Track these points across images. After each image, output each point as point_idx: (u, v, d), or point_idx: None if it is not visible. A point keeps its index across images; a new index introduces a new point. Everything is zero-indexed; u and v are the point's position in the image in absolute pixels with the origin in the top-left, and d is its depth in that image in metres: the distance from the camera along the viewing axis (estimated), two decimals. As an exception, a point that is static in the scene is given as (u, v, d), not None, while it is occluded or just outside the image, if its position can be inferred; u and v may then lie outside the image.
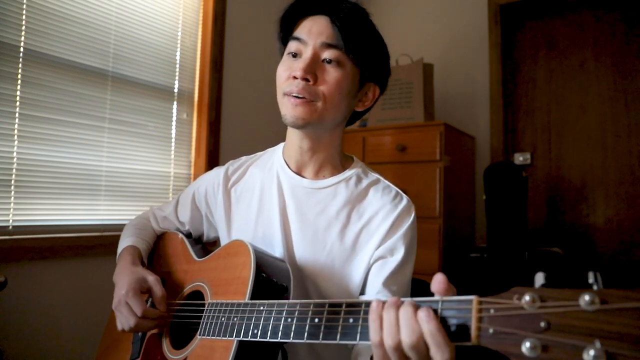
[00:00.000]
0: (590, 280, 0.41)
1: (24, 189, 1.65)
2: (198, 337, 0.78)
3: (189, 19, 2.32)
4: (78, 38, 1.82)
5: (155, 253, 1.04)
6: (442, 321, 0.49)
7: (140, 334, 0.91)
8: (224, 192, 0.97)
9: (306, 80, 0.79)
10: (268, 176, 0.94)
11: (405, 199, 0.88)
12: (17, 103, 1.63)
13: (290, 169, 0.92)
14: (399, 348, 0.50)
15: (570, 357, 0.40)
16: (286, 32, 0.87)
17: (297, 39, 0.83)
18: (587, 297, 0.40)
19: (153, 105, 2.12)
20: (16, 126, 1.63)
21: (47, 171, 1.72)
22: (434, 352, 0.48)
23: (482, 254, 2.20)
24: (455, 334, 0.48)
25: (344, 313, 0.58)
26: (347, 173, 0.91)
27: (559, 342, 0.41)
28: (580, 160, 2.45)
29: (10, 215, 1.62)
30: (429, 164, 2.20)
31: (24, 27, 1.66)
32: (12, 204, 1.62)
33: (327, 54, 0.81)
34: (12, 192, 1.62)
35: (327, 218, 0.86)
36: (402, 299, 0.54)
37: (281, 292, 0.75)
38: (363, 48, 0.83)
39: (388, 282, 0.81)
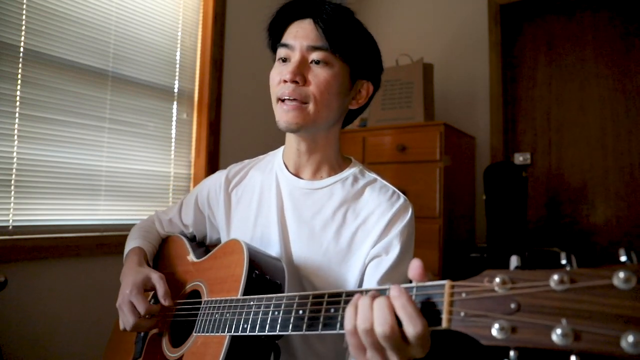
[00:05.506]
0: (563, 261, 0.40)
1: (24, 189, 1.65)
2: (194, 334, 0.80)
3: (189, 19, 2.32)
4: (78, 38, 1.82)
5: (160, 255, 1.07)
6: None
7: (142, 333, 0.93)
8: (225, 195, 0.99)
9: (295, 82, 0.81)
10: (268, 178, 0.96)
11: (402, 198, 0.88)
12: (17, 103, 1.63)
13: (289, 170, 0.93)
14: (371, 333, 0.49)
15: (539, 336, 0.39)
16: (275, 39, 0.90)
17: (285, 45, 0.85)
18: (556, 277, 0.39)
19: (153, 105, 2.12)
20: (16, 126, 1.63)
21: (47, 171, 1.72)
22: (406, 325, 0.48)
23: (482, 254, 2.20)
24: (427, 319, 0.48)
25: (326, 304, 0.59)
26: (344, 173, 0.92)
27: (528, 322, 0.40)
28: (580, 160, 2.45)
29: (10, 215, 1.62)
30: (429, 164, 2.20)
31: (24, 27, 1.66)
32: (12, 204, 1.62)
33: (314, 56, 0.83)
34: (12, 192, 1.62)
35: (323, 218, 0.87)
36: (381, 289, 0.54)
37: (274, 289, 0.76)
38: (349, 46, 0.84)
39: (383, 281, 0.81)
